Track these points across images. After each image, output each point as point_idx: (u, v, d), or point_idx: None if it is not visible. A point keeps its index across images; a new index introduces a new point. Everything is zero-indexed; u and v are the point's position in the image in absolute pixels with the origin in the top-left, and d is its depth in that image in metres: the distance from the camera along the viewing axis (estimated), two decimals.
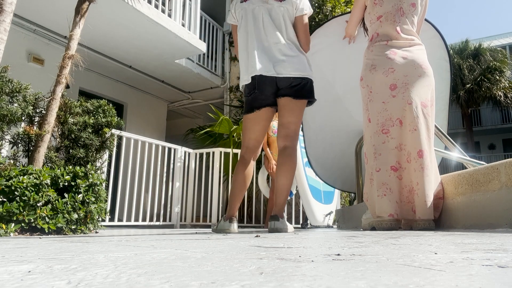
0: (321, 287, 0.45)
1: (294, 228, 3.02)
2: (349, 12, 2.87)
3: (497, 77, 16.94)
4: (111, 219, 4.65)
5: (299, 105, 2.33)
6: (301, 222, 5.44)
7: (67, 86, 3.12)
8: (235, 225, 2.31)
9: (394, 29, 2.42)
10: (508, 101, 17.29)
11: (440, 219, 2.25)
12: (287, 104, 2.33)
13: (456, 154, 3.01)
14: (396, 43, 2.39)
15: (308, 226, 4.98)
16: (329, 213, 5.06)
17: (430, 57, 3.18)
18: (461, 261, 0.67)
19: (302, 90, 2.31)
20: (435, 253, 0.80)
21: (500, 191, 1.77)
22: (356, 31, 2.79)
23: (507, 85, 17.14)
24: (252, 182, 5.98)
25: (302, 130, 3.70)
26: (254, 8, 2.38)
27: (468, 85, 17.20)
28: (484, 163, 2.55)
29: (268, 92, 2.33)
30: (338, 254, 0.82)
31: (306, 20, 2.47)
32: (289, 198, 5.25)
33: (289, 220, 5.81)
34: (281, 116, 2.40)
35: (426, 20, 3.18)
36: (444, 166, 3.45)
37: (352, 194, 6.24)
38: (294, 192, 5.14)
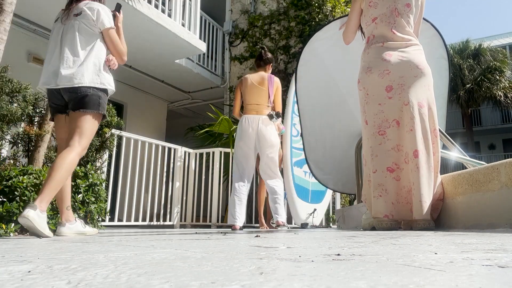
0: (321, 287, 0.45)
1: (291, 228, 3.01)
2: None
3: (497, 77, 16.92)
4: (111, 219, 4.64)
5: (78, 117, 2.30)
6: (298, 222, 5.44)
7: None
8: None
9: (389, 30, 2.41)
10: (508, 101, 17.27)
11: (440, 219, 2.25)
12: (70, 115, 2.35)
13: (456, 154, 3.01)
14: (392, 44, 2.38)
15: (308, 227, 4.98)
16: (313, 211, 5.06)
17: (430, 56, 3.17)
18: (461, 261, 0.67)
19: (81, 102, 2.30)
20: (435, 253, 0.80)
21: (500, 191, 1.77)
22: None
23: (507, 85, 17.11)
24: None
25: (301, 135, 3.70)
26: (58, 27, 2.47)
27: (468, 85, 17.18)
28: (484, 163, 2.55)
29: (56, 102, 2.38)
30: (338, 254, 0.82)
31: (112, 34, 2.47)
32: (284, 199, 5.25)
33: (287, 220, 5.79)
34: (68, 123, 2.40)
35: (425, 19, 3.18)
36: (444, 166, 3.45)
37: (352, 195, 6.24)
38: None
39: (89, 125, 2.33)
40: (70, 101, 2.33)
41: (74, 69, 2.32)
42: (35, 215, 1.95)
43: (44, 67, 2.41)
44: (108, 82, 2.42)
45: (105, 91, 2.41)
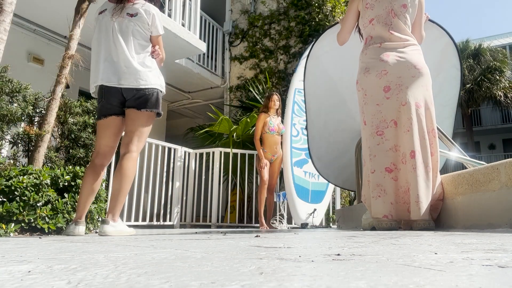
0: (321, 287, 0.45)
1: (291, 228, 3.01)
2: None
3: (497, 77, 16.90)
4: None
5: (141, 116, 2.41)
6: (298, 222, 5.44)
7: (67, 86, 3.12)
8: (80, 228, 2.31)
9: (386, 31, 2.41)
10: (508, 101, 17.26)
11: (440, 219, 2.25)
12: (130, 114, 2.42)
13: (456, 154, 3.01)
14: (389, 45, 2.38)
15: (308, 227, 4.98)
16: (313, 211, 5.07)
17: (442, 65, 3.15)
18: (461, 261, 0.67)
19: (147, 102, 2.40)
20: (435, 253, 0.80)
21: (500, 191, 1.77)
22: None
23: (507, 85, 17.10)
24: (252, 182, 5.98)
25: (306, 128, 3.73)
26: (106, 21, 2.47)
27: (468, 85, 17.17)
28: (484, 163, 2.55)
29: (114, 102, 2.41)
30: (338, 254, 0.82)
31: (161, 40, 2.59)
32: (283, 200, 5.27)
33: (287, 220, 5.81)
34: (126, 125, 2.46)
35: (440, 26, 3.17)
36: (444, 166, 3.48)
37: (352, 193, 6.24)
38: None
39: (147, 127, 2.46)
40: (133, 100, 2.38)
41: (139, 68, 2.38)
42: (110, 227, 2.22)
43: (99, 63, 2.42)
44: (163, 85, 2.54)
45: (162, 92, 2.52)
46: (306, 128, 3.72)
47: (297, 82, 5.25)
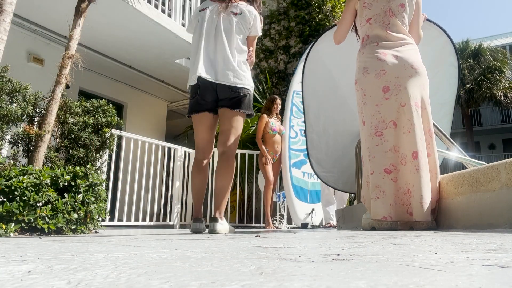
0: (321, 287, 0.45)
1: (291, 228, 3.03)
2: None
3: (497, 77, 16.91)
4: (111, 219, 4.64)
5: (236, 115, 2.49)
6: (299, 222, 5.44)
7: (67, 86, 3.12)
8: (200, 225, 2.47)
9: (384, 30, 2.41)
10: (508, 101, 17.26)
11: (440, 219, 2.25)
12: (225, 113, 2.50)
13: (456, 154, 3.01)
14: (386, 44, 2.38)
15: (308, 227, 4.98)
16: (311, 211, 5.09)
17: (441, 64, 3.15)
18: (461, 261, 0.67)
19: (240, 102, 2.45)
20: (435, 253, 0.80)
21: (500, 191, 1.77)
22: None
23: (507, 85, 17.10)
24: (251, 182, 5.98)
25: (304, 132, 3.72)
26: (210, 16, 2.52)
27: (468, 85, 17.17)
28: (484, 163, 2.55)
29: (208, 99, 2.46)
30: (338, 254, 0.82)
31: (255, 41, 2.65)
32: (283, 200, 5.27)
33: (287, 221, 5.81)
34: (220, 123, 2.54)
35: (438, 26, 3.18)
36: (444, 166, 3.49)
37: (352, 194, 6.24)
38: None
39: (241, 124, 2.54)
40: (228, 99, 2.44)
41: (237, 68, 2.42)
42: (220, 225, 2.32)
43: (198, 55, 2.44)
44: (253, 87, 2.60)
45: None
46: (304, 131, 3.72)
47: (295, 84, 5.27)
